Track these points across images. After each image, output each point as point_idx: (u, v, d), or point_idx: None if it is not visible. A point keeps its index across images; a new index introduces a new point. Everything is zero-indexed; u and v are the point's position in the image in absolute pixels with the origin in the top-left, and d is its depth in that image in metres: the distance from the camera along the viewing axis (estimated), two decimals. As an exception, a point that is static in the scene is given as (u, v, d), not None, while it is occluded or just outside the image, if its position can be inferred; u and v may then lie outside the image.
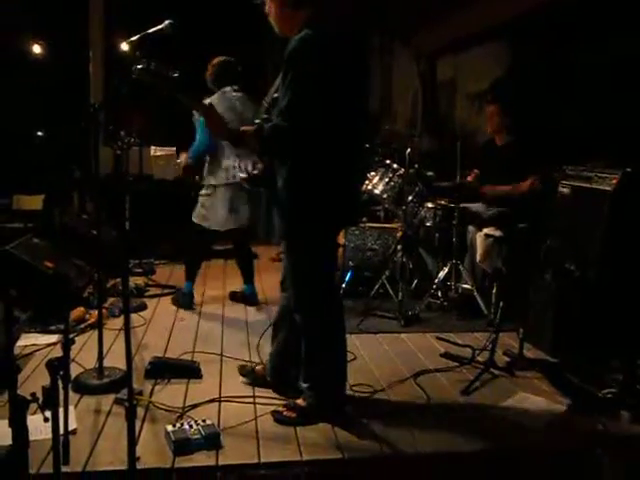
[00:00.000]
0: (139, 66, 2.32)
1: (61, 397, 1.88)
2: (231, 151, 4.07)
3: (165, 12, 3.20)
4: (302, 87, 2.35)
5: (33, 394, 1.79)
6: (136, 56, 2.91)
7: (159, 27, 2.95)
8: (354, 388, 3.00)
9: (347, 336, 3.75)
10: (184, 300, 4.44)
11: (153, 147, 6.24)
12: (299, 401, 2.70)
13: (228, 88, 4.22)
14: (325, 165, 2.47)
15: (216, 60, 4.31)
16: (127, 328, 2.07)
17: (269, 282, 5.03)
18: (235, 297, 4.65)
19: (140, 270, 5.31)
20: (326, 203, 2.50)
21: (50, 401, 1.79)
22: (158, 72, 2.35)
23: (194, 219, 4.33)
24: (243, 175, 2.72)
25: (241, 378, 3.08)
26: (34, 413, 1.92)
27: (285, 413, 2.66)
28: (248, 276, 4.58)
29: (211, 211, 4.26)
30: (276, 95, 2.48)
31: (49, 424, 1.82)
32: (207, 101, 4.15)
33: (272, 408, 2.72)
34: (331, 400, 2.70)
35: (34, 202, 5.95)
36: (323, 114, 2.38)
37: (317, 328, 2.67)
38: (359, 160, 2.70)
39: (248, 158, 4.07)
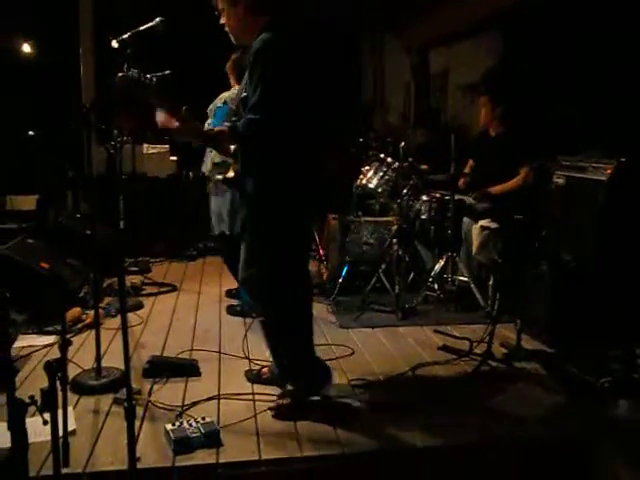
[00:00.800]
0: (119, 74, 2.34)
1: (60, 398, 1.87)
2: None
3: (159, 10, 3.19)
4: (270, 82, 2.44)
5: (32, 397, 1.79)
6: (127, 54, 2.89)
7: (150, 24, 2.93)
8: (353, 383, 3.00)
9: (345, 331, 3.82)
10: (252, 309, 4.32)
11: (146, 145, 6.23)
12: (289, 388, 2.76)
13: None
14: (294, 159, 2.55)
15: (238, 54, 4.19)
16: (124, 327, 2.07)
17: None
18: (231, 294, 4.61)
19: (136, 269, 5.30)
20: (296, 195, 2.57)
21: (48, 403, 1.79)
22: (137, 79, 2.37)
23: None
24: (220, 177, 2.73)
25: (240, 375, 3.08)
26: (33, 415, 1.92)
27: (281, 402, 2.69)
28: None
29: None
30: (244, 94, 2.55)
31: (48, 426, 1.82)
32: (226, 94, 4.15)
33: (272, 404, 2.72)
34: (313, 377, 2.73)
35: (28, 202, 5.92)
36: (291, 107, 2.49)
37: (280, 319, 2.68)
38: (327, 157, 2.78)
39: None
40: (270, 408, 2.69)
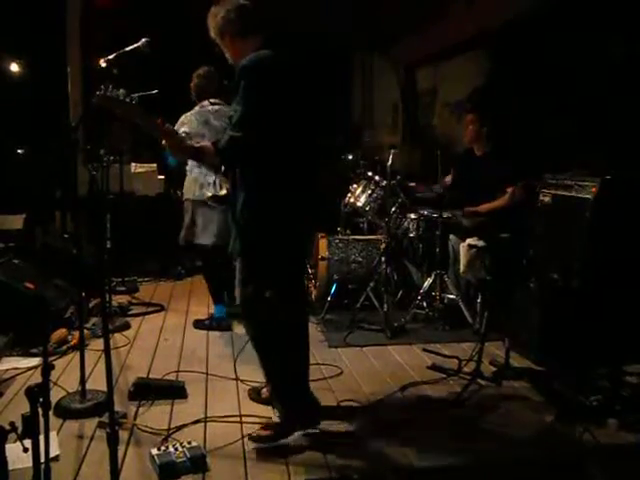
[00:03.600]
0: (97, 93, 2.34)
1: (42, 423, 1.84)
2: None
3: (145, 29, 3.20)
4: (252, 99, 2.43)
5: (12, 423, 1.76)
6: (113, 74, 2.90)
7: (136, 45, 2.95)
8: (342, 404, 2.98)
9: (334, 350, 3.79)
10: (221, 325, 4.29)
11: (133, 164, 6.22)
12: (274, 419, 2.71)
13: (206, 102, 4.23)
14: (283, 181, 2.52)
15: (199, 71, 4.29)
16: (107, 350, 2.04)
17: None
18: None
19: (123, 288, 5.26)
20: (287, 216, 2.54)
21: (29, 430, 1.75)
22: (114, 98, 2.36)
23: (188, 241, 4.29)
24: (209, 194, 2.72)
25: (227, 397, 3.05)
26: (15, 441, 1.88)
27: (262, 433, 2.62)
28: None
29: (193, 226, 4.25)
30: (233, 112, 2.53)
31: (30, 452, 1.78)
32: (185, 116, 4.16)
33: (259, 427, 2.69)
34: (300, 411, 2.67)
35: (15, 221, 5.87)
36: (275, 125, 2.46)
37: (269, 342, 2.64)
38: (318, 176, 2.72)
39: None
40: (249, 435, 2.63)
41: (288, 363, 2.66)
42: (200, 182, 4.14)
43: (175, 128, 4.10)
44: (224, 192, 2.70)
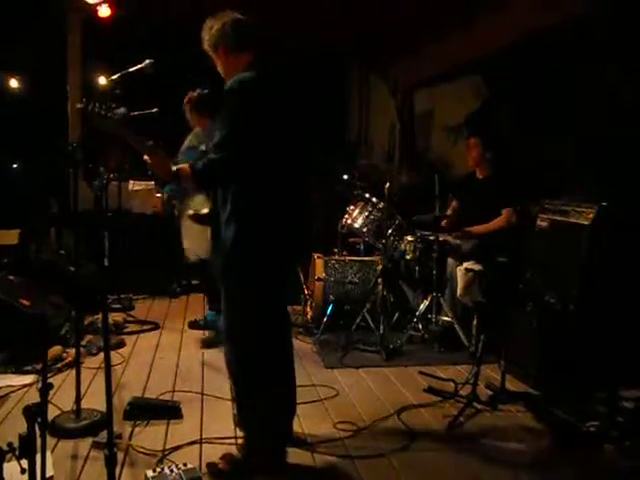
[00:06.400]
0: (78, 106, 2.33)
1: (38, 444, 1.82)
2: None
3: (143, 50, 3.23)
4: (235, 122, 2.41)
5: (10, 444, 1.75)
6: (115, 94, 2.92)
7: (139, 66, 2.96)
8: (338, 426, 2.97)
9: (329, 371, 3.78)
10: (214, 326, 4.34)
11: (131, 181, 6.22)
12: (235, 452, 2.61)
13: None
14: (266, 202, 2.48)
15: (194, 93, 4.31)
16: (108, 372, 2.03)
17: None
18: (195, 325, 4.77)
19: (119, 306, 5.23)
20: (267, 241, 2.48)
21: (27, 450, 1.74)
22: (97, 112, 2.36)
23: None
24: (191, 212, 2.73)
25: (223, 417, 3.03)
26: (10, 460, 1.86)
27: (220, 466, 2.52)
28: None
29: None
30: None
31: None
32: (190, 135, 4.18)
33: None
34: (266, 451, 2.56)
35: (10, 237, 5.85)
36: (258, 147, 2.42)
37: (247, 372, 2.56)
38: (300, 201, 2.66)
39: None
40: (207, 465, 2.54)
41: (272, 399, 2.54)
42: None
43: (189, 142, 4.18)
44: (205, 211, 2.69)
